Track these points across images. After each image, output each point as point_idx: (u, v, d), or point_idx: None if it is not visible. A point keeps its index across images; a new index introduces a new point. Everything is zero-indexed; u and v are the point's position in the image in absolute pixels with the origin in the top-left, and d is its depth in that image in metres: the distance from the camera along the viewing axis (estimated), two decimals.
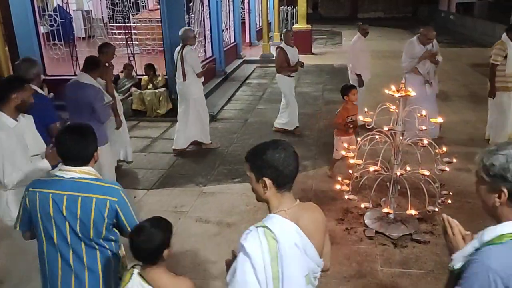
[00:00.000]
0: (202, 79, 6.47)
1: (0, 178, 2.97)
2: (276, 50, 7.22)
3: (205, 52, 10.61)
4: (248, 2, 16.07)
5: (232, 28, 13.43)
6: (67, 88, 4.61)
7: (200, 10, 10.09)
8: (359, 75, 7.24)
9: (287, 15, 19.27)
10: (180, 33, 6.30)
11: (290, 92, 7.25)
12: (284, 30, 7.58)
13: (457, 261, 1.56)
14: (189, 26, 9.19)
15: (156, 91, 8.05)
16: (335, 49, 16.82)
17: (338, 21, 28.21)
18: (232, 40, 13.48)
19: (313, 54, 15.38)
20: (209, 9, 10.60)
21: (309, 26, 15.45)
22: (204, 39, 10.47)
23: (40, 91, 4.01)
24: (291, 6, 19.38)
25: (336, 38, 20.36)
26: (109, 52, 5.34)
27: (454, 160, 4.30)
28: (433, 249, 4.01)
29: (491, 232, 1.51)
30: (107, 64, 5.29)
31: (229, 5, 13.03)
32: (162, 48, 8.49)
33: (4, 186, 3.02)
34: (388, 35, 20.20)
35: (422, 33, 6.43)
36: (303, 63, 7.31)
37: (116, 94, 5.63)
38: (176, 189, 5.39)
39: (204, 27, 10.43)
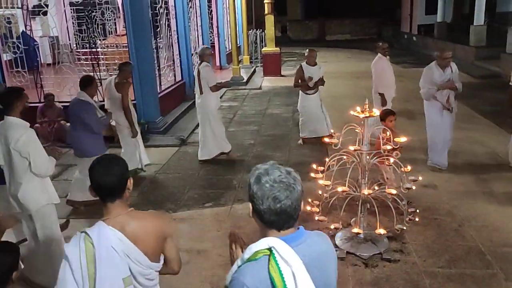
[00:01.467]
0: (219, 93, 7.00)
1: (42, 170, 3.72)
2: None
3: (175, 76, 10.60)
4: (217, 27, 16.23)
5: None
6: (69, 106, 5.49)
7: (168, 35, 10.11)
8: (382, 94, 7.33)
9: (256, 39, 19.53)
10: (198, 50, 7.13)
11: (301, 108, 7.69)
12: (308, 49, 7.75)
13: (228, 279, 1.65)
14: (156, 51, 9.20)
15: None
16: None
17: (307, 43, 28.75)
18: None
19: (282, 76, 15.56)
20: (177, 33, 10.63)
21: (278, 49, 15.69)
22: (173, 63, 10.47)
23: None
24: (260, 30, 19.67)
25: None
26: (126, 70, 6.16)
27: (420, 178, 4.38)
28: (403, 268, 4.03)
29: (249, 250, 1.61)
30: (125, 81, 6.11)
31: (197, 30, 13.12)
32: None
33: (41, 175, 3.76)
34: (356, 56, 20.69)
35: (438, 56, 6.21)
36: (320, 82, 7.44)
37: (132, 108, 6.25)
38: None
39: (173, 52, 10.44)
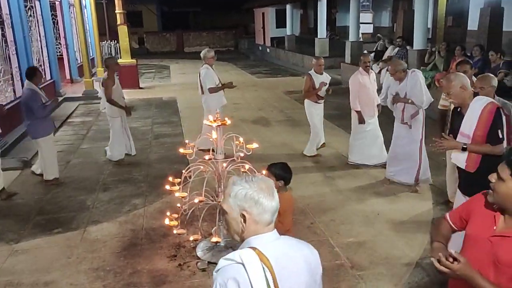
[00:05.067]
0: (221, 93, 7.41)
1: None
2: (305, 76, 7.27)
3: (14, 91, 9.49)
4: (65, 37, 15.09)
5: (47, 64, 12.38)
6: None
7: (3, 46, 9.05)
8: (358, 112, 6.59)
9: (111, 50, 18.70)
10: (201, 53, 7.55)
11: (312, 118, 7.21)
12: (314, 59, 7.17)
13: None
14: None
15: None
16: (164, 83, 16.86)
17: (166, 55, 28.54)
18: (48, 78, 12.42)
19: (141, 88, 15.14)
20: (16, 44, 9.57)
21: (134, 60, 15.20)
22: (12, 77, 9.39)
23: None
24: (114, 41, 18.89)
25: (164, 72, 20.46)
26: (110, 63, 7.15)
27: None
28: None
29: None
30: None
31: (41, 41, 12.01)
32: None
33: None
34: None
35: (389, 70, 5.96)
36: (330, 89, 7.06)
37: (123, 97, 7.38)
38: None
39: (11, 64, 9.36)
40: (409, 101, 5.62)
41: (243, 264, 1.59)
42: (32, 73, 6.08)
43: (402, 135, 5.84)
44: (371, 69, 6.56)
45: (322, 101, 7.15)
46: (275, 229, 1.73)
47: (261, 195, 1.67)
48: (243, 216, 1.68)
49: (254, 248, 1.64)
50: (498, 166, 1.98)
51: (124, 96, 7.51)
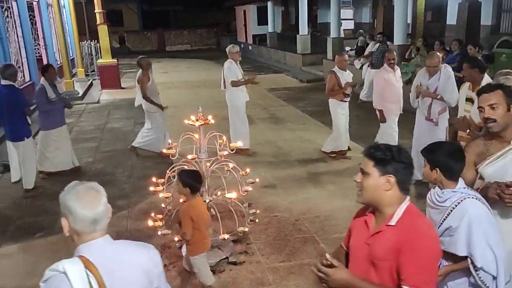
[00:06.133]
0: (244, 89, 7.40)
1: None
2: (328, 74, 6.88)
3: None
4: (44, 38, 14.84)
5: (26, 65, 12.17)
6: None
7: None
8: (380, 111, 6.40)
9: (91, 50, 18.43)
10: (226, 49, 7.46)
11: (337, 119, 6.85)
12: (337, 55, 6.87)
13: None
14: None
15: None
16: None
17: (147, 54, 28.13)
18: (28, 79, 12.19)
19: (122, 88, 14.99)
20: None
21: (115, 60, 15.04)
22: None
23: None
24: (95, 41, 18.62)
25: None
26: (143, 63, 7.29)
27: (257, 180, 4.58)
28: (248, 268, 4.15)
29: None
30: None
31: (19, 42, 11.79)
32: None
33: None
34: (196, 66, 21.03)
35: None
36: (355, 84, 6.75)
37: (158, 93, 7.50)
38: None
39: None
40: (438, 96, 5.35)
41: (65, 274, 1.59)
42: (44, 70, 6.58)
43: (425, 134, 5.45)
44: (393, 65, 6.38)
45: (348, 98, 6.83)
46: (107, 235, 1.74)
47: (75, 204, 1.67)
48: (64, 224, 1.72)
49: (80, 257, 1.65)
50: (360, 164, 1.93)
51: (159, 92, 7.64)
